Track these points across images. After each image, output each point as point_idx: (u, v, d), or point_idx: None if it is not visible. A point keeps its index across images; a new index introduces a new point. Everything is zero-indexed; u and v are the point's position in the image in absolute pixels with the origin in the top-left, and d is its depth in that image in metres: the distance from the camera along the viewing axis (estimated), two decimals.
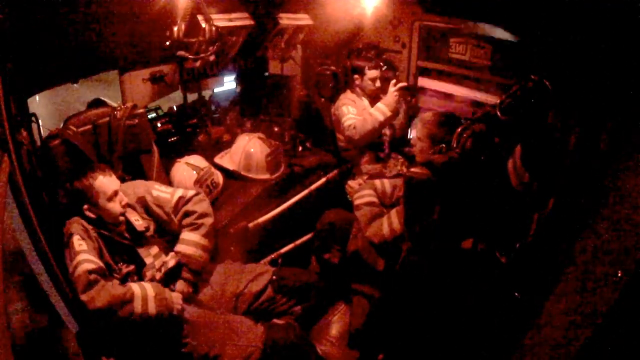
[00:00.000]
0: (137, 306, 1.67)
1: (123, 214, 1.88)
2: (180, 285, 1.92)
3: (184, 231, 2.00)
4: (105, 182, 1.81)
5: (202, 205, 2.05)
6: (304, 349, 1.91)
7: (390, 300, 2.05)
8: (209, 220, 2.03)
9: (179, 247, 1.97)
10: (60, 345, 1.57)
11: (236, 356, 1.76)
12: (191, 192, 2.07)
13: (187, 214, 2.02)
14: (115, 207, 1.84)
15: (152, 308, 1.69)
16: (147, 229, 1.97)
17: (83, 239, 1.72)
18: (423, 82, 3.44)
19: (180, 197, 2.04)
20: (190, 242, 1.98)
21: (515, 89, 1.59)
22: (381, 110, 2.81)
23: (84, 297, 1.57)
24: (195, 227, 2.00)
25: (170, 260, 1.93)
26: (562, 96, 1.52)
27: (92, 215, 1.81)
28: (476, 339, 1.64)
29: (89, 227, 1.79)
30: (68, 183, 1.82)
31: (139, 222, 1.93)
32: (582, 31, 1.39)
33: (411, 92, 3.18)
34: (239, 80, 3.40)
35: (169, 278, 1.91)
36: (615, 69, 1.23)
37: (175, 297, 1.81)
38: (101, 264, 1.69)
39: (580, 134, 1.39)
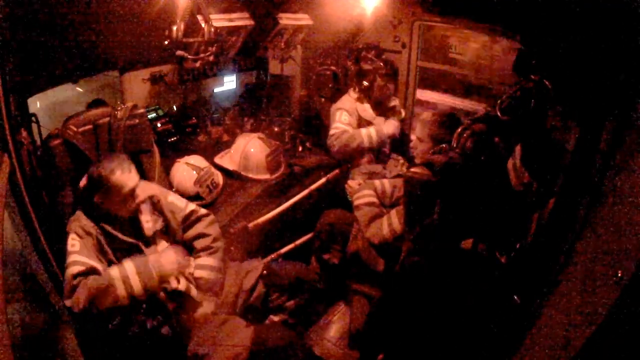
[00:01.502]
0: (120, 288, 1.63)
1: (136, 212, 1.85)
2: (206, 306, 1.93)
3: (203, 256, 1.99)
4: (124, 178, 1.76)
5: (215, 227, 2.07)
6: (293, 351, 1.89)
7: (390, 300, 2.05)
8: (222, 244, 2.06)
9: (202, 274, 1.95)
10: (60, 345, 1.57)
11: (225, 356, 1.75)
12: (203, 211, 2.08)
13: (202, 235, 2.01)
14: (130, 204, 1.80)
15: (136, 285, 1.66)
16: (155, 231, 1.94)
17: (80, 237, 1.69)
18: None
19: (193, 211, 2.04)
20: (211, 267, 1.97)
21: (516, 89, 1.60)
22: (370, 135, 2.92)
23: (68, 303, 1.57)
24: (212, 251, 2.00)
25: (193, 291, 1.91)
26: (562, 96, 1.52)
27: (100, 206, 1.77)
28: (476, 339, 1.64)
29: (90, 224, 1.75)
30: (93, 168, 1.77)
31: (149, 224, 1.90)
32: (582, 31, 1.38)
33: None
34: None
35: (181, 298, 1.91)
36: (614, 69, 1.23)
37: (168, 262, 1.78)
38: (91, 263, 1.66)
39: (580, 134, 1.39)
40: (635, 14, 1.12)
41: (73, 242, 1.67)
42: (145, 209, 1.91)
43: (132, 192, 1.80)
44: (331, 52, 3.62)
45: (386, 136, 2.99)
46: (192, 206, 2.06)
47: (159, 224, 1.96)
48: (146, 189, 1.94)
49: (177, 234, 2.01)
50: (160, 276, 1.73)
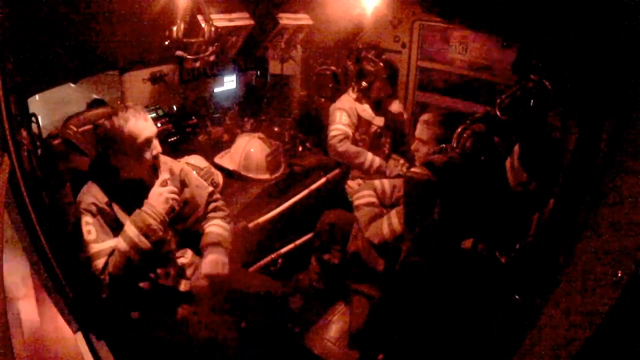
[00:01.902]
0: (134, 256, 1.63)
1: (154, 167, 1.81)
2: (216, 255, 1.90)
3: (217, 219, 2.06)
4: (140, 126, 1.67)
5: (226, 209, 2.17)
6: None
7: (390, 300, 2.05)
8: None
9: (213, 229, 2.00)
10: (61, 346, 1.57)
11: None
12: (218, 195, 2.18)
13: (219, 209, 2.10)
14: (148, 155, 1.73)
15: (145, 245, 1.65)
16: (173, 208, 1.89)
17: (93, 215, 1.66)
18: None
19: (213, 191, 2.13)
20: (223, 227, 2.04)
21: (515, 89, 1.60)
22: (373, 162, 2.98)
23: (105, 296, 1.61)
24: (226, 221, 2.09)
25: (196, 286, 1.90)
26: (562, 96, 1.52)
27: (117, 165, 1.72)
28: (476, 339, 1.64)
29: (104, 198, 1.70)
30: (105, 120, 1.68)
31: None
32: (582, 31, 1.39)
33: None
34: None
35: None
36: (615, 69, 1.23)
37: (160, 201, 1.72)
38: (110, 245, 1.66)
39: (580, 134, 1.39)
40: (635, 14, 1.12)
41: (88, 228, 1.64)
42: (165, 169, 1.87)
43: (149, 142, 1.71)
44: (331, 52, 3.63)
45: (383, 174, 3.02)
46: (210, 187, 2.15)
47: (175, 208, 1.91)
48: (175, 162, 2.00)
49: (197, 210, 2.02)
50: (161, 220, 1.72)
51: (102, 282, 1.63)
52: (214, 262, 1.90)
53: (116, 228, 1.72)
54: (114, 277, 1.62)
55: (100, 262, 1.64)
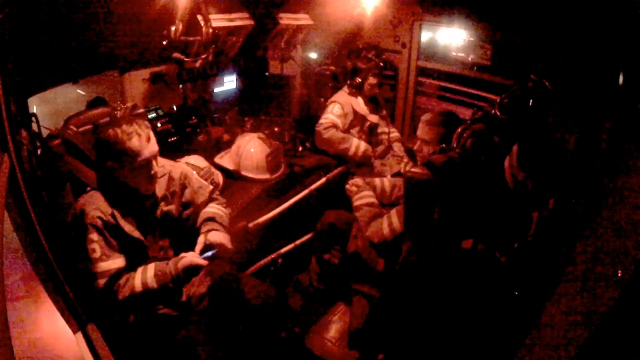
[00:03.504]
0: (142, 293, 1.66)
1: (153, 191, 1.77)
2: (217, 236, 1.85)
3: (215, 203, 2.05)
4: (142, 145, 1.61)
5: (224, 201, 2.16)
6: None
7: (390, 300, 2.05)
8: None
9: (207, 208, 1.98)
10: (61, 345, 1.58)
11: None
12: (217, 192, 2.17)
13: (216, 200, 2.08)
14: (146, 175, 1.66)
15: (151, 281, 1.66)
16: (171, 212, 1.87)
17: (99, 232, 1.61)
18: None
19: (213, 189, 2.11)
20: (218, 208, 2.02)
21: (515, 88, 1.60)
22: (359, 147, 2.98)
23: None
24: (225, 207, 2.07)
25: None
26: (562, 96, 1.52)
27: (113, 174, 1.66)
28: (476, 339, 1.64)
29: (109, 210, 1.64)
30: (109, 130, 1.61)
31: (161, 191, 1.80)
32: (582, 31, 1.39)
33: None
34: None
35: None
36: (615, 69, 1.23)
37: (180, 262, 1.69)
38: (115, 266, 1.63)
39: (580, 134, 1.39)
40: (635, 13, 1.12)
41: (93, 246, 1.60)
42: (162, 179, 1.83)
43: (149, 162, 1.65)
44: (331, 52, 3.63)
45: (369, 160, 3.04)
46: (210, 186, 2.13)
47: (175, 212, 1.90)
48: (175, 166, 1.98)
49: (198, 212, 1.99)
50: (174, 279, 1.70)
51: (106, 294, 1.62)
52: (214, 233, 1.84)
53: (120, 237, 1.68)
54: (121, 303, 1.63)
55: (102, 282, 1.61)
